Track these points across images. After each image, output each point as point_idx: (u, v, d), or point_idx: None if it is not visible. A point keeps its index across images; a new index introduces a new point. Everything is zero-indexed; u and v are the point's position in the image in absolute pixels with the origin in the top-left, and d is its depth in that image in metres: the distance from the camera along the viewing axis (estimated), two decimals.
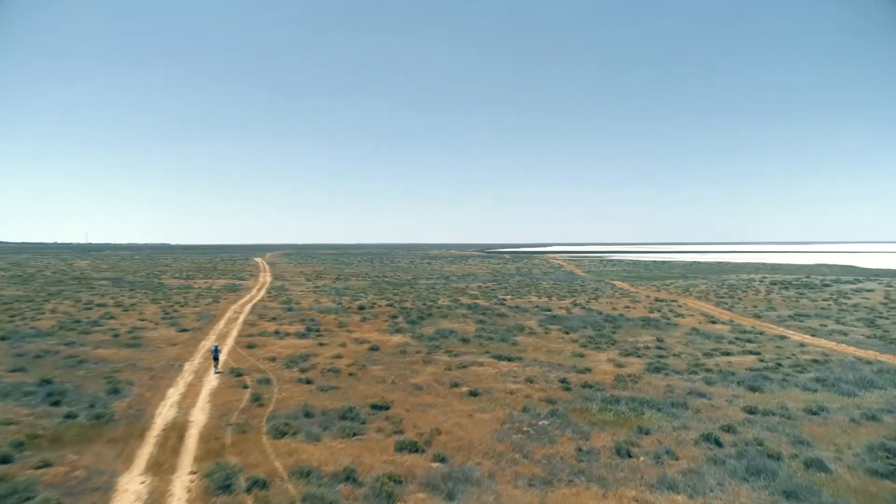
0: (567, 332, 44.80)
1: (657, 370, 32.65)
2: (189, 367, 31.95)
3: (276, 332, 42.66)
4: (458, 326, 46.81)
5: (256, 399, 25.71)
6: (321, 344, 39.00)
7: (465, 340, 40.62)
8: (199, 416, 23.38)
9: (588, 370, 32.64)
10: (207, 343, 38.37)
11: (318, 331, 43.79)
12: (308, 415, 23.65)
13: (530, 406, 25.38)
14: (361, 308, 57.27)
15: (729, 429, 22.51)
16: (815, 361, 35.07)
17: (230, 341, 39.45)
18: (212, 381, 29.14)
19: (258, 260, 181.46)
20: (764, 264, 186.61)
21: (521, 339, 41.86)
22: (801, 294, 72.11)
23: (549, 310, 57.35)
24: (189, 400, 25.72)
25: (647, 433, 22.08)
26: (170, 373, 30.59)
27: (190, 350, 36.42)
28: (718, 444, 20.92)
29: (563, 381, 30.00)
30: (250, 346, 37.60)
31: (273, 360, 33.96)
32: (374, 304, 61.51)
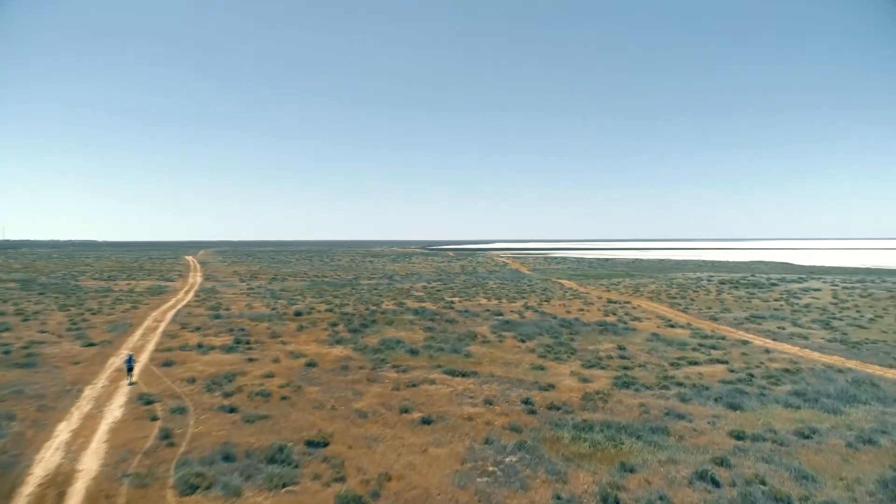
0: (523, 341, 41.58)
1: (626, 385, 29.71)
2: (89, 393, 26.99)
3: (200, 346, 37.73)
4: (405, 335, 42.95)
5: (166, 436, 21.27)
6: (251, 359, 34.40)
7: (413, 352, 36.81)
8: (89, 463, 18.85)
9: (551, 387, 29.39)
10: (117, 360, 33.25)
11: (247, 343, 39.04)
12: (228, 457, 19.42)
13: (493, 436, 21.88)
14: (298, 314, 52.60)
15: (722, 462, 19.59)
16: (787, 371, 32.97)
17: (144, 357, 34.42)
18: (115, 410, 24.42)
19: (189, 258, 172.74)
20: (704, 261, 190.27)
21: (474, 350, 38.37)
22: (751, 294, 71.53)
23: (501, 314, 54.16)
24: (82, 439, 21.06)
25: (631, 471, 18.93)
26: (64, 401, 25.62)
27: (94, 370, 31.26)
28: (715, 483, 17.93)
29: (525, 401, 26.62)
30: (167, 364, 32.70)
31: (192, 381, 29.26)
32: (313, 308, 56.88)
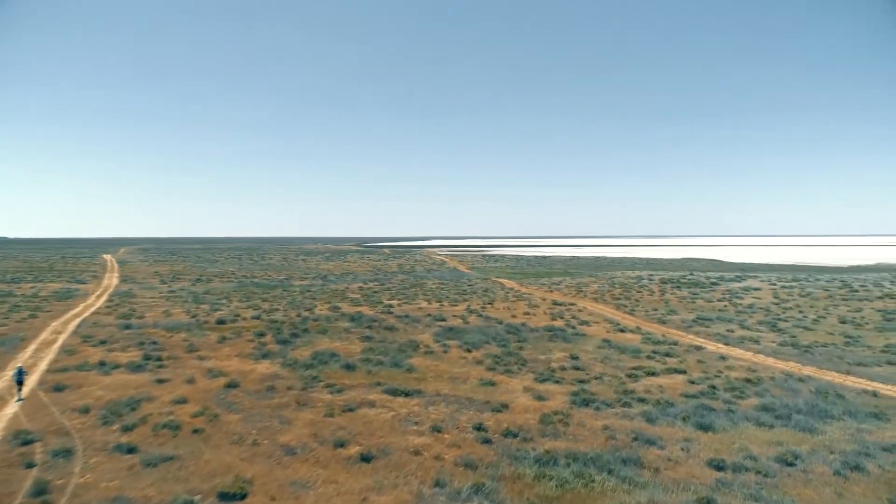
0: (469, 350, 38.51)
1: (585, 403, 27.02)
2: None
3: (102, 364, 32.80)
4: (340, 346, 39.14)
5: (40, 491, 17.05)
6: (160, 380, 29.87)
7: (349, 367, 33.09)
8: None
9: (505, 407, 26.39)
10: None
11: (159, 359, 34.30)
12: None
13: (444, 476, 18.62)
14: (221, 322, 47.88)
15: (709, 503, 17.05)
16: (748, 381, 31.15)
17: (33, 380, 29.42)
18: None
19: (108, 257, 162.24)
20: (640, 259, 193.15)
21: (417, 362, 35.01)
22: (694, 294, 71.04)
23: (444, 319, 50.98)
24: None
25: None
26: None
27: None
28: None
29: (478, 426, 23.51)
30: (59, 389, 27.85)
31: (86, 411, 24.70)
32: (238, 315, 52.11)
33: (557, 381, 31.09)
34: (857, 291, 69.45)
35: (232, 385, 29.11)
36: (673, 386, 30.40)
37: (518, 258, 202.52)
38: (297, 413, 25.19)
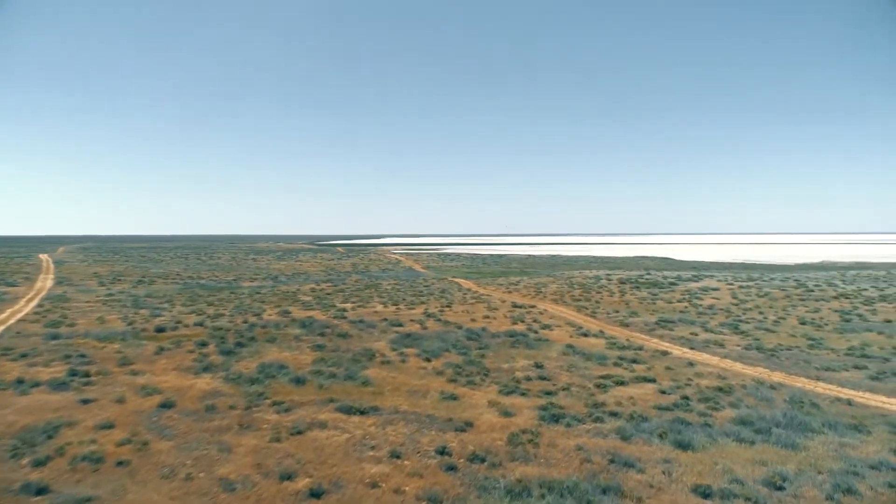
0: (428, 359, 36.31)
1: (554, 419, 25.16)
2: None
3: (20, 382, 29.32)
4: (289, 357, 36.41)
5: None
6: (85, 400, 26.70)
7: (299, 381, 30.46)
8: None
9: (469, 425, 24.33)
10: None
11: (86, 375, 30.91)
12: None
13: None
14: (160, 330, 44.41)
15: None
16: (720, 390, 29.87)
17: None
18: None
19: (44, 257, 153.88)
20: (594, 257, 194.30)
21: (372, 374, 32.62)
22: (654, 295, 70.44)
23: (401, 324, 48.62)
24: None
25: None
26: None
27: None
28: None
29: (442, 450, 21.36)
30: None
31: None
32: (180, 322, 48.62)
33: (523, 394, 29.18)
34: (812, 291, 70.08)
35: (167, 405, 26.22)
36: (644, 397, 28.87)
37: (474, 257, 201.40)
38: (239, 437, 22.59)
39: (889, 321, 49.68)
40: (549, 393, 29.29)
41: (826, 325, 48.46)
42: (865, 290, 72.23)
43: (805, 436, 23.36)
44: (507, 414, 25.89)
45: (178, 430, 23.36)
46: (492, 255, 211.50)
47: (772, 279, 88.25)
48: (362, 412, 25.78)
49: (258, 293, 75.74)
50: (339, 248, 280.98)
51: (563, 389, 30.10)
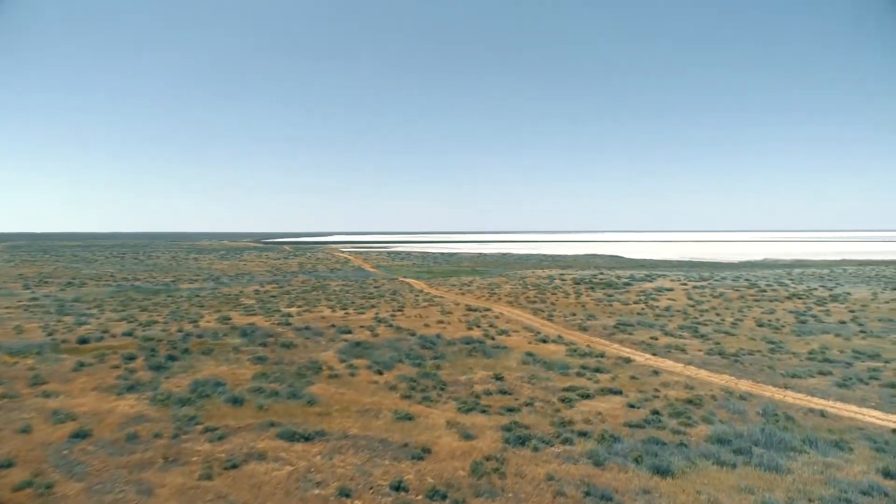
0: (380, 372, 33.66)
1: (520, 441, 22.96)
2: None
3: None
4: (226, 372, 33.15)
5: None
6: None
7: (236, 401, 27.37)
8: None
9: (427, 451, 21.86)
10: None
11: None
12: None
13: None
14: (83, 341, 40.29)
15: None
16: (690, 403, 28.33)
17: None
18: None
19: None
20: (545, 255, 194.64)
21: (319, 391, 29.78)
22: (609, 296, 69.35)
23: (349, 331, 45.69)
24: None
25: None
26: None
27: None
28: None
29: (397, 485, 18.85)
30: None
31: None
32: (107, 330, 44.44)
33: (484, 411, 26.92)
34: (765, 291, 70.29)
35: (81, 434, 22.86)
36: (612, 412, 27.00)
37: (424, 255, 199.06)
38: (163, 475, 19.54)
39: (843, 322, 49.65)
40: (511, 409, 27.12)
41: (783, 327, 48.01)
42: (815, 289, 73.03)
43: (787, 455, 21.83)
44: (467, 436, 23.56)
45: (91, 466, 20.13)
46: (442, 254, 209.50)
47: (723, 279, 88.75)
48: (307, 438, 23.03)
49: (197, 296, 71.47)
50: (286, 247, 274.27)
51: (527, 405, 28.00)
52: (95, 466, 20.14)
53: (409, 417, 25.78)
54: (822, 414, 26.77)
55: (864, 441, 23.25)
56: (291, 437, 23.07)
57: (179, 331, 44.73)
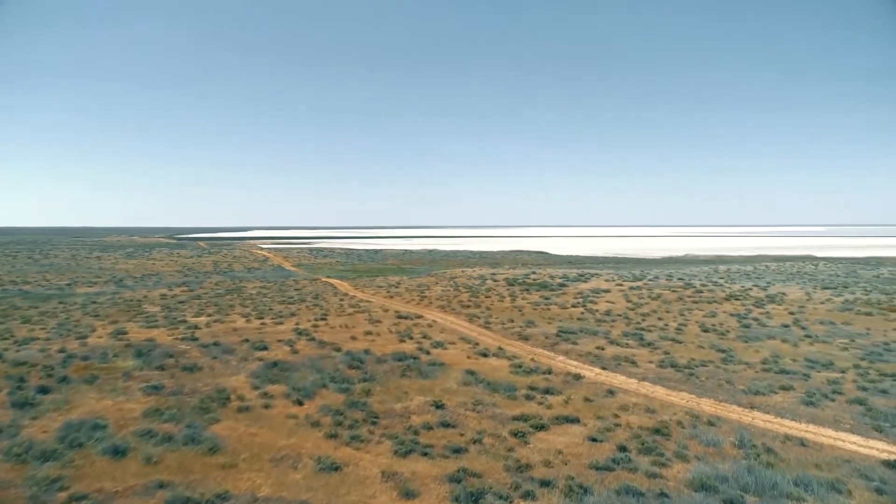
0: (300, 402, 28.67)
1: (473, 500, 18.86)
2: None
3: None
4: (110, 407, 27.28)
5: None
6: None
7: (118, 452, 21.87)
8: None
9: None
10: None
11: None
12: None
13: None
14: None
15: None
16: (657, 432, 25.11)
17: None
18: None
19: None
20: (472, 252, 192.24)
21: (224, 430, 24.64)
22: (546, 299, 66.28)
23: (265, 347, 40.16)
24: None
25: None
26: None
27: None
28: None
29: None
30: None
31: None
32: None
33: (426, 453, 22.63)
34: (701, 292, 69.04)
35: None
36: (573, 449, 23.30)
37: (348, 252, 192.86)
38: None
39: (786, 325, 48.43)
40: (457, 450, 22.96)
41: (728, 332, 46.16)
42: (750, 289, 72.64)
43: None
44: (408, 493, 19.21)
45: None
46: (367, 251, 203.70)
47: (656, 278, 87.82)
48: None
49: (94, 303, 63.65)
50: (201, 243, 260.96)
51: (475, 442, 23.93)
52: None
53: (334, 467, 21.16)
54: (802, 443, 24.08)
55: (858, 479, 20.53)
56: None
57: (61, 351, 37.97)
